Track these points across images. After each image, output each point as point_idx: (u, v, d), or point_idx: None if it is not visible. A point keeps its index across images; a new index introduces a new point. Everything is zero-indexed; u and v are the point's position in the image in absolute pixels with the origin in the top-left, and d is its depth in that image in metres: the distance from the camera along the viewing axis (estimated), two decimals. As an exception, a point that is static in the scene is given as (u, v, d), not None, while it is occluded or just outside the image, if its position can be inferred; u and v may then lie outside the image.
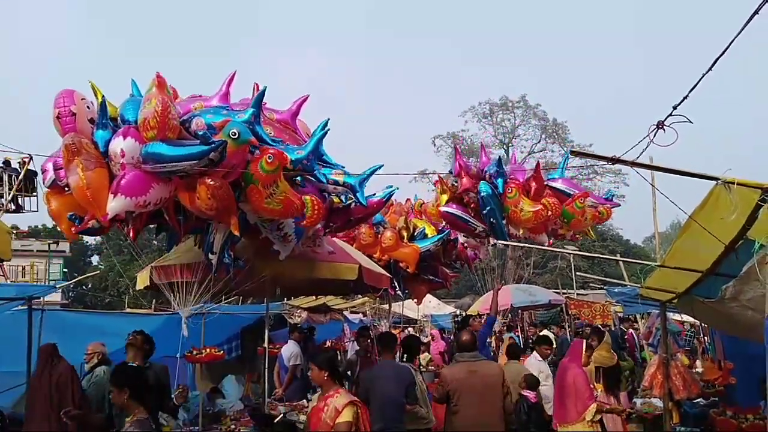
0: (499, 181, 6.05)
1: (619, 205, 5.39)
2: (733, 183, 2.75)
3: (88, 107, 4.51)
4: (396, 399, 5.15)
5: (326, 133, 4.79)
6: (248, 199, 4.40)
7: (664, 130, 2.32)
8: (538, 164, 6.06)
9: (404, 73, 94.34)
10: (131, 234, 4.76)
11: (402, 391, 5.19)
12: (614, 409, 6.39)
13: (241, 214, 4.63)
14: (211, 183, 4.14)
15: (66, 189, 4.57)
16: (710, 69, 1.86)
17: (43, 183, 4.78)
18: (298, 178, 4.78)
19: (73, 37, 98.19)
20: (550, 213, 5.98)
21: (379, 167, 5.10)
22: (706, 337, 9.55)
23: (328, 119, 4.92)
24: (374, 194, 5.44)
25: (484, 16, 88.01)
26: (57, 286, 7.30)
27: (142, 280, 6.21)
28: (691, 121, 2.18)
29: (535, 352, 7.41)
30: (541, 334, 11.18)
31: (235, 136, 4.08)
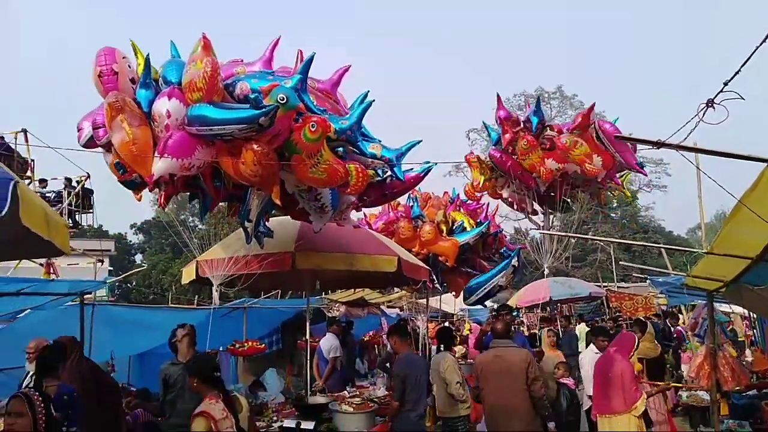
0: (534, 119, 5.83)
1: (646, 175, 5.09)
2: (784, 164, 2.67)
3: (129, 66, 4.41)
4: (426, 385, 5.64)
5: (370, 104, 4.62)
6: (293, 169, 4.30)
7: (714, 108, 2.25)
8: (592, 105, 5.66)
9: (440, 63, 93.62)
10: (162, 200, 4.64)
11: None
12: (660, 387, 6.27)
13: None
14: (258, 149, 4.03)
15: (107, 148, 4.48)
16: (765, 41, 1.80)
17: (78, 141, 4.63)
18: (340, 148, 4.64)
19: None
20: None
21: (418, 143, 4.97)
22: (755, 329, 9.26)
23: (368, 91, 4.79)
24: (411, 169, 5.29)
25: (516, 7, 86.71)
26: (107, 281, 7.52)
27: (188, 274, 6.38)
28: (743, 98, 2.11)
29: (592, 345, 7.05)
30: (596, 326, 11.05)
31: (284, 101, 3.95)
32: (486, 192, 6.59)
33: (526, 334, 12.92)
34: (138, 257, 49.75)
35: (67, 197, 13.92)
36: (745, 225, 3.56)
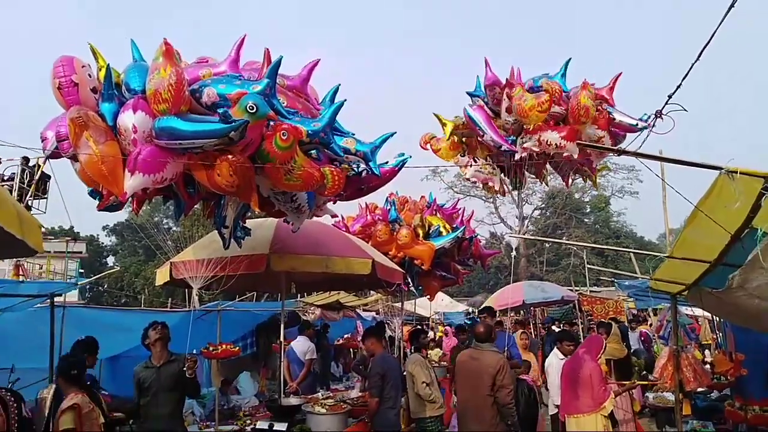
0: (537, 82, 5.53)
1: (649, 126, 4.76)
2: (735, 172, 2.82)
3: (89, 75, 4.18)
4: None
5: (342, 104, 4.52)
6: (267, 176, 4.23)
7: (662, 119, 2.38)
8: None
9: (419, 61, 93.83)
10: (134, 206, 4.56)
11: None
12: (627, 386, 6.46)
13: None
14: (233, 159, 3.94)
15: (73, 161, 4.30)
16: (698, 59, 1.93)
17: (43, 152, 4.42)
18: (314, 150, 4.56)
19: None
20: (553, 98, 5.10)
21: (392, 135, 4.90)
22: (718, 332, 9.55)
23: (339, 85, 4.72)
24: (386, 162, 5.18)
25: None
26: (78, 283, 7.43)
27: (162, 276, 6.36)
28: (685, 110, 2.24)
29: (556, 350, 7.18)
30: (561, 330, 11.23)
31: (253, 111, 3.81)
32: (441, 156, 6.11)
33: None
34: (110, 260, 48.98)
35: (23, 178, 13.34)
36: (702, 228, 3.72)
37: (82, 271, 32.64)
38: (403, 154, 5.29)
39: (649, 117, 4.76)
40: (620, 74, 5.14)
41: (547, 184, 6.03)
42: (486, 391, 5.21)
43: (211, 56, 4.66)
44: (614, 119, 5.02)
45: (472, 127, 5.33)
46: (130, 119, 3.92)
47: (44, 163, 12.47)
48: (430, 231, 9.62)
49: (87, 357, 5.52)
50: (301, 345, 9.04)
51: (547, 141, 4.83)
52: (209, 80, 4.17)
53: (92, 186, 4.44)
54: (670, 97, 2.22)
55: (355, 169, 4.92)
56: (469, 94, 5.57)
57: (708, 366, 7.70)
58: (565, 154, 4.95)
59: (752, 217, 3.08)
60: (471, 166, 5.74)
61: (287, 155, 4.06)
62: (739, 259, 3.46)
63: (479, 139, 5.51)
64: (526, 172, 5.87)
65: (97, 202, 4.54)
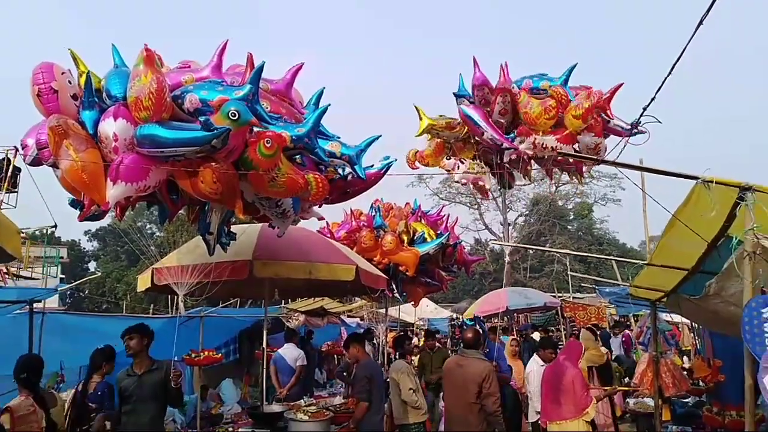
0: (536, 83, 5.42)
1: (644, 132, 4.60)
2: (711, 182, 2.88)
3: (69, 82, 4.11)
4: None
5: (326, 109, 4.46)
6: (251, 183, 4.19)
7: (637, 131, 2.43)
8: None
9: (403, 67, 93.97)
10: (118, 213, 4.49)
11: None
12: (608, 391, 6.52)
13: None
14: (216, 167, 3.90)
15: (54, 168, 4.24)
16: (670, 73, 1.99)
17: (24, 160, 4.35)
18: (298, 156, 4.50)
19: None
20: (560, 104, 4.99)
21: (377, 138, 4.85)
22: (697, 338, 9.69)
23: (323, 88, 4.66)
24: (372, 165, 5.10)
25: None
26: (58, 288, 7.33)
27: (143, 282, 6.31)
28: (660, 121, 2.29)
29: (536, 356, 7.13)
30: (543, 337, 11.28)
31: (235, 117, 3.76)
32: (428, 164, 5.98)
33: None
34: (92, 265, 48.35)
35: None
36: (680, 237, 3.80)
37: (63, 276, 32.15)
38: (388, 157, 5.25)
39: (638, 123, 4.79)
40: (621, 84, 4.96)
41: (531, 180, 5.85)
42: (472, 398, 5.21)
43: (194, 60, 4.61)
44: (608, 124, 5.00)
45: (471, 126, 5.23)
46: (111, 127, 3.86)
47: (14, 156, 12.11)
48: (415, 237, 9.65)
49: (105, 365, 5.86)
50: (291, 352, 9.05)
51: (542, 144, 4.83)
52: (191, 86, 4.11)
53: (73, 194, 4.38)
54: (644, 109, 2.27)
55: (341, 172, 4.87)
56: (456, 95, 5.51)
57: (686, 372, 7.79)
58: (558, 158, 4.95)
59: (728, 226, 3.16)
60: (458, 168, 5.71)
61: (271, 162, 4.03)
62: (716, 266, 3.53)
63: (476, 138, 5.39)
64: (514, 171, 5.81)
65: (78, 212, 4.48)
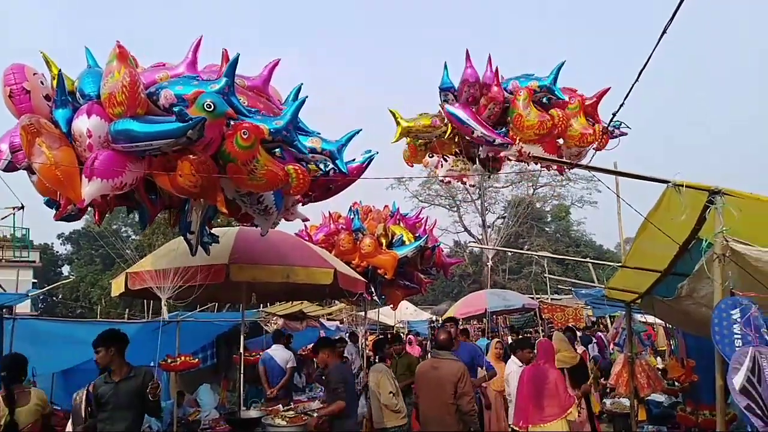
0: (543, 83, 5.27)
1: (626, 134, 4.54)
2: (682, 186, 2.93)
3: (41, 82, 4.08)
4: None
5: (304, 101, 4.43)
6: (231, 178, 4.14)
7: (620, 132, 2.46)
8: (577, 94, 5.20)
9: (376, 69, 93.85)
10: (96, 217, 4.45)
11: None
12: (583, 389, 6.58)
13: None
14: (194, 158, 3.85)
15: (29, 173, 4.20)
16: (637, 80, 2.02)
17: None
18: (277, 149, 4.45)
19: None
20: (554, 123, 4.86)
21: (358, 132, 4.79)
22: (671, 339, 9.85)
23: (302, 84, 4.63)
24: (354, 160, 5.03)
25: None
26: (29, 293, 7.17)
27: (117, 287, 6.21)
28: (629, 127, 2.33)
29: (513, 359, 7.10)
30: (519, 338, 11.36)
31: (211, 109, 3.73)
32: (413, 161, 5.90)
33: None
34: (65, 269, 47.41)
35: None
36: (652, 239, 3.86)
37: (35, 281, 31.49)
38: (369, 151, 5.20)
39: (620, 124, 4.78)
40: (608, 89, 4.91)
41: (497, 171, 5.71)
42: (449, 399, 5.25)
43: (168, 62, 4.55)
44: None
45: (458, 125, 5.11)
46: (84, 124, 3.82)
47: None
48: (393, 240, 9.67)
49: None
50: (281, 353, 9.08)
51: (528, 153, 4.80)
52: (166, 82, 4.09)
53: (48, 195, 4.31)
54: (614, 114, 2.31)
55: (322, 168, 4.84)
56: (442, 89, 5.36)
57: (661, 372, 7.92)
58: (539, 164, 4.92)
59: (698, 229, 3.22)
60: (442, 165, 5.64)
61: (249, 154, 3.99)
62: (688, 268, 3.60)
63: (462, 135, 5.28)
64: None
65: (53, 212, 4.40)
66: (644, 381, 6.32)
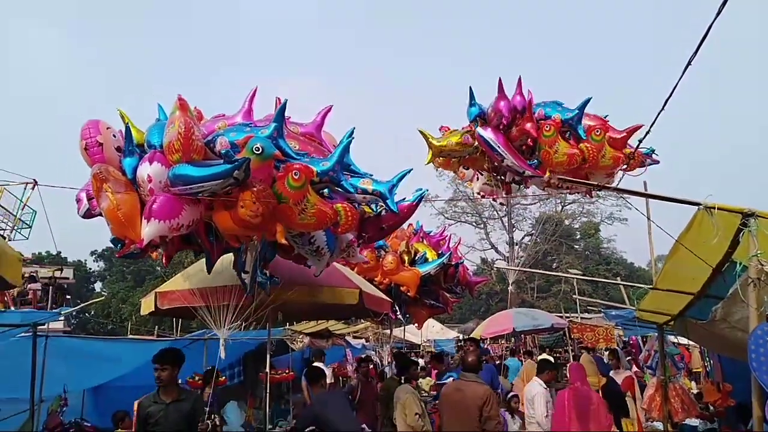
0: (551, 112, 5.20)
1: (658, 162, 4.46)
2: (714, 208, 2.87)
3: (114, 136, 4.54)
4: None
5: (350, 141, 4.63)
6: (281, 218, 4.33)
7: (651, 161, 2.42)
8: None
9: (401, 96, 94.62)
10: (165, 260, 4.84)
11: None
12: None
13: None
14: (255, 189, 4.09)
15: (100, 215, 4.60)
16: (663, 108, 1.99)
17: (78, 212, 4.80)
18: (326, 190, 4.65)
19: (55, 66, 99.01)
20: (585, 157, 4.85)
21: (408, 172, 4.91)
22: (707, 360, 9.55)
23: (354, 128, 4.77)
24: (404, 199, 5.17)
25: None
26: (61, 312, 7.32)
27: (147, 306, 6.29)
28: (658, 155, 2.28)
29: (538, 378, 6.88)
30: (540, 357, 11.12)
31: (259, 152, 4.02)
32: (445, 168, 5.92)
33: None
34: (98, 285, 48.39)
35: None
36: (684, 261, 3.77)
37: (68, 297, 32.19)
38: (420, 189, 5.36)
39: (653, 151, 4.71)
40: (639, 126, 4.73)
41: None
42: (474, 423, 5.10)
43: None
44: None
45: (489, 151, 5.13)
46: (146, 170, 4.19)
47: (32, 188, 12.31)
48: (416, 258, 9.61)
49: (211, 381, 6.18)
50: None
51: (556, 182, 4.79)
52: (222, 131, 4.42)
53: (118, 235, 4.61)
54: (640, 141, 2.28)
55: (374, 209, 5.05)
56: (471, 119, 5.35)
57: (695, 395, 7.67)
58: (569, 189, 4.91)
59: (731, 252, 3.13)
60: (477, 179, 5.64)
61: (300, 194, 4.21)
62: (722, 291, 3.50)
63: (496, 163, 5.24)
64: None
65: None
66: (678, 405, 6.12)
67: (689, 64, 2.06)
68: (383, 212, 5.04)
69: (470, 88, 5.39)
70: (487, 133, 5.08)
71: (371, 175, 4.87)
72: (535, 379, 6.91)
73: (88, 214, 4.69)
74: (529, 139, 5.00)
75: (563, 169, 4.71)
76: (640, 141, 2.31)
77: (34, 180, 6.01)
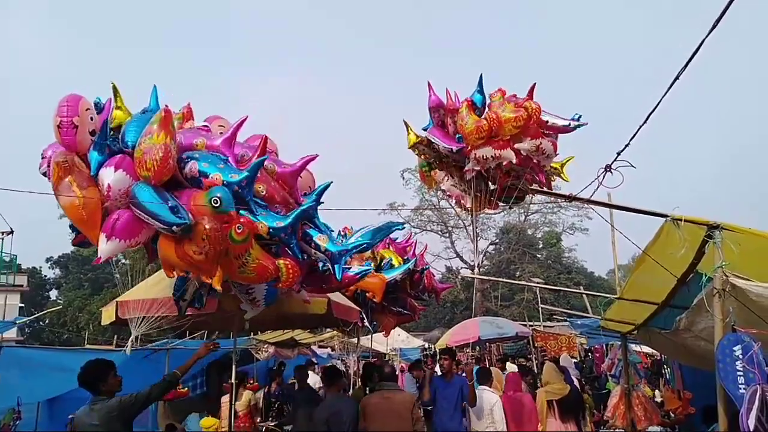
0: (478, 97, 5.42)
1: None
2: (680, 220, 2.93)
3: (91, 118, 4.30)
4: None
5: (311, 207, 4.57)
6: (222, 265, 4.23)
7: (611, 173, 2.48)
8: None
9: (372, 102, 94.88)
10: (149, 255, 4.79)
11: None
12: None
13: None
14: (208, 227, 3.96)
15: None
16: (645, 122, 2.03)
17: (39, 168, 4.56)
18: (273, 247, 4.58)
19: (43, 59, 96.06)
20: (491, 125, 4.94)
21: (368, 247, 5.14)
22: (667, 368, 9.79)
23: (331, 182, 4.72)
24: (350, 268, 5.35)
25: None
26: (16, 321, 7.05)
27: (108, 315, 6.09)
28: (634, 166, 2.34)
29: (486, 388, 7.00)
30: (481, 368, 11.28)
31: (216, 204, 3.90)
32: (425, 183, 6.23)
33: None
34: (53, 293, 46.73)
35: None
36: (650, 272, 3.84)
37: (23, 305, 31.01)
38: (369, 264, 5.50)
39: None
40: (534, 84, 4.96)
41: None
42: (408, 425, 5.35)
43: (221, 117, 5.00)
44: (546, 122, 5.01)
45: (436, 146, 5.36)
46: (108, 177, 4.05)
47: None
48: (382, 264, 9.59)
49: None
50: (312, 378, 9.48)
51: (483, 156, 4.90)
52: (197, 154, 4.32)
53: (74, 224, 4.48)
54: (618, 153, 2.32)
55: (320, 267, 5.00)
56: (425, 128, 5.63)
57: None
58: (504, 162, 4.97)
59: (696, 263, 3.20)
60: (447, 179, 5.76)
61: (242, 248, 4.15)
62: (686, 301, 3.58)
63: (441, 153, 5.48)
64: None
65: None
66: (641, 413, 6.24)
67: (677, 78, 2.10)
68: (327, 272, 4.99)
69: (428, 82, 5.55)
70: (428, 132, 5.34)
71: (331, 231, 4.96)
72: (488, 389, 7.04)
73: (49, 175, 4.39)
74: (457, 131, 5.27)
75: (474, 138, 4.85)
76: (619, 153, 2.34)
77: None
